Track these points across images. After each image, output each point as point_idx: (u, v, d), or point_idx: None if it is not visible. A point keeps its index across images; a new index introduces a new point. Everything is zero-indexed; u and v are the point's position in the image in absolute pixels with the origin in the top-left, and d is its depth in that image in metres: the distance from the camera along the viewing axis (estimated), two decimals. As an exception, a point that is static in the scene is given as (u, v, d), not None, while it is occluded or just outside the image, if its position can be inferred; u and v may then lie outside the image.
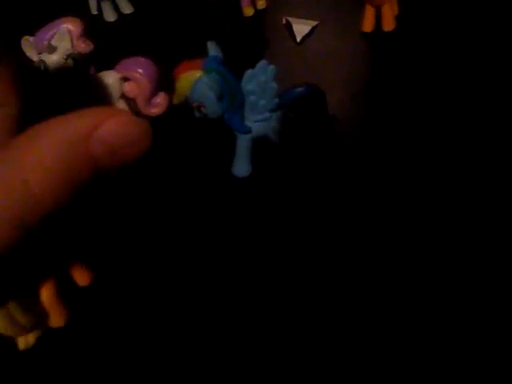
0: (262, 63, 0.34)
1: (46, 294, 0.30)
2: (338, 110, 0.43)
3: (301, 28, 0.57)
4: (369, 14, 0.54)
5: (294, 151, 0.38)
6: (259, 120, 0.36)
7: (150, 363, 0.28)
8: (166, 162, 0.41)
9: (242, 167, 0.38)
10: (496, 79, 0.45)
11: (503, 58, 0.47)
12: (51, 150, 0.14)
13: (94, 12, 0.66)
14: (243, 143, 0.37)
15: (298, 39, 0.56)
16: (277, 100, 0.35)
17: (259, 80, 0.34)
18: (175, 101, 0.35)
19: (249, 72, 0.34)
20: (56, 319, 0.31)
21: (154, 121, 0.44)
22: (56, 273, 0.31)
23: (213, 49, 0.34)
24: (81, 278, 0.33)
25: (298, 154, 0.38)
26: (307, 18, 0.59)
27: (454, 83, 0.45)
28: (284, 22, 0.59)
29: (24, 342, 0.30)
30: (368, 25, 0.55)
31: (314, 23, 0.58)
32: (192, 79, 0.33)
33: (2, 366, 0.30)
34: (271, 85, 0.34)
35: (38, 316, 0.30)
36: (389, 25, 0.54)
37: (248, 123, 0.36)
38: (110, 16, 0.64)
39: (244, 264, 0.32)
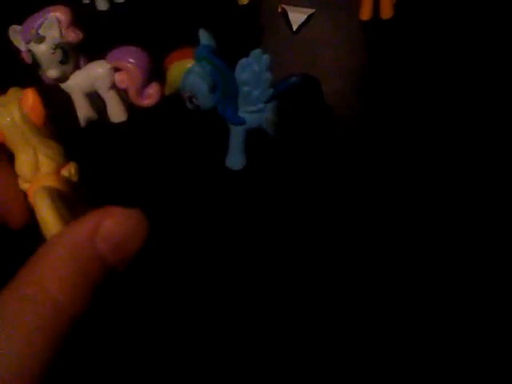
0: (256, 52, 0.33)
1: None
2: (334, 100, 0.42)
3: (297, 16, 0.56)
4: (366, 1, 0.53)
5: (290, 143, 0.37)
6: (253, 111, 0.35)
7: (149, 360, 0.27)
8: (157, 155, 0.40)
9: (235, 159, 0.37)
10: (496, 67, 0.44)
11: (503, 45, 0.46)
12: (63, 260, 0.15)
13: (86, 1, 0.64)
14: (237, 135, 0.36)
15: (294, 28, 0.55)
16: (271, 90, 0.34)
17: (253, 70, 0.33)
18: (167, 91, 0.34)
19: (242, 61, 0.33)
20: None
21: (145, 112, 0.43)
22: None
23: (205, 37, 0.33)
24: None
25: (293, 146, 0.37)
26: (303, 6, 0.58)
27: (454, 72, 0.44)
28: (280, 10, 0.58)
29: None
30: (366, 13, 0.54)
31: (311, 11, 0.57)
32: (183, 69, 0.32)
33: None
34: (265, 75, 0.33)
35: None
36: (387, 12, 0.53)
37: (242, 114, 0.35)
38: (102, 5, 0.63)
39: (238, 258, 0.32)
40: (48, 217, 0.25)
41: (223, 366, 0.27)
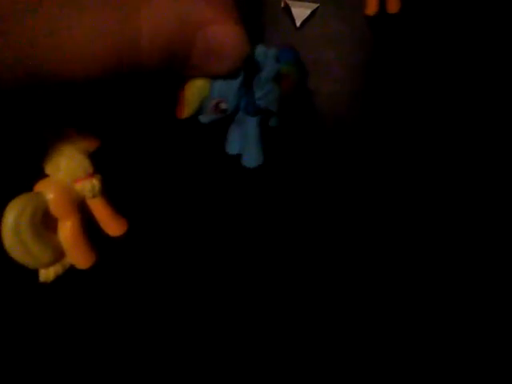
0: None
1: (70, 229, 0.29)
2: (339, 98, 0.41)
3: (300, 11, 0.54)
4: (372, -5, 0.52)
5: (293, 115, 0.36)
6: (262, 96, 0.33)
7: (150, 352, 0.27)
8: (168, 157, 0.39)
9: (253, 156, 0.35)
10: (507, 66, 0.43)
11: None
12: (169, 9, 0.17)
13: None
14: (253, 128, 0.34)
15: (298, 23, 0.53)
16: (277, 65, 0.32)
17: (263, 51, 0.31)
18: (186, 113, 0.31)
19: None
20: (78, 260, 0.30)
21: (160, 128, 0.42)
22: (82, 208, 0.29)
23: None
24: (113, 227, 0.31)
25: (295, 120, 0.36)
26: (307, 1, 0.56)
27: (464, 69, 0.43)
28: (283, 4, 0.56)
29: (44, 275, 0.29)
30: (372, 7, 0.52)
31: (315, 6, 0.55)
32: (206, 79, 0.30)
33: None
34: (271, 50, 0.31)
35: (56, 251, 0.29)
36: (394, 7, 0.52)
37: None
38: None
39: (252, 257, 0.31)
40: (5, 227, 0.26)
41: (222, 365, 0.26)
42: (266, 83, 0.33)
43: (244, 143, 0.36)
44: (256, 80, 0.33)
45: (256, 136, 0.35)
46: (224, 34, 0.21)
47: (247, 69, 0.31)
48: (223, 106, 0.31)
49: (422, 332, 0.26)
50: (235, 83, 0.30)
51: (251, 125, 0.34)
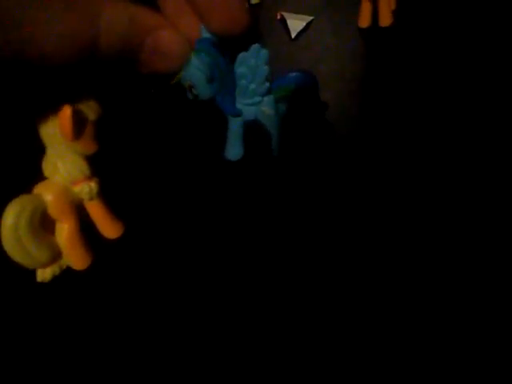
0: (255, 47, 0.33)
1: (67, 231, 0.30)
2: (333, 108, 0.42)
3: (296, 23, 0.56)
4: (365, 8, 0.53)
5: (285, 137, 0.37)
6: (249, 104, 0.35)
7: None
8: (155, 146, 0.40)
9: (234, 150, 0.37)
10: (496, 75, 0.44)
11: (505, 53, 0.46)
12: (123, 13, 0.23)
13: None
14: (234, 126, 0.36)
15: (293, 35, 0.55)
16: (267, 84, 0.34)
17: (249, 64, 0.33)
18: (172, 81, 0.34)
19: (240, 55, 0.33)
20: (75, 261, 0.31)
21: (146, 101, 0.43)
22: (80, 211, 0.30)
23: (206, 32, 0.33)
24: (110, 229, 0.32)
25: (288, 141, 0.38)
26: (303, 13, 0.58)
27: (454, 80, 0.44)
28: (279, 17, 0.58)
29: (41, 274, 0.30)
30: (364, 20, 0.54)
31: (310, 18, 0.57)
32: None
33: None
34: (262, 68, 0.33)
35: (53, 251, 0.29)
36: (386, 20, 0.53)
37: (239, 106, 0.35)
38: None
39: (236, 253, 0.31)
40: (4, 227, 0.27)
41: (222, 366, 0.26)
42: (255, 96, 0.35)
43: (227, 137, 0.37)
44: (242, 88, 0.35)
45: (237, 133, 0.37)
46: (168, 38, 0.26)
47: (222, 74, 0.33)
48: (194, 91, 0.33)
49: (422, 332, 0.26)
50: (201, 76, 0.31)
51: (234, 122, 0.36)
